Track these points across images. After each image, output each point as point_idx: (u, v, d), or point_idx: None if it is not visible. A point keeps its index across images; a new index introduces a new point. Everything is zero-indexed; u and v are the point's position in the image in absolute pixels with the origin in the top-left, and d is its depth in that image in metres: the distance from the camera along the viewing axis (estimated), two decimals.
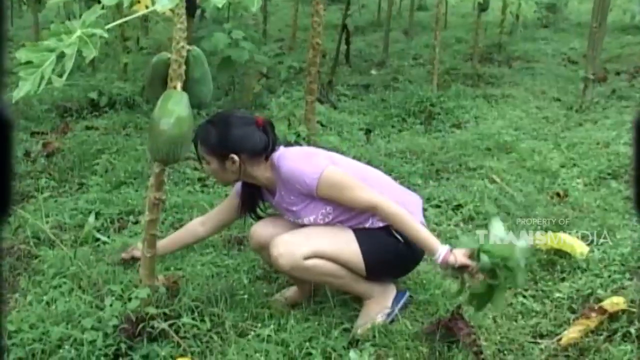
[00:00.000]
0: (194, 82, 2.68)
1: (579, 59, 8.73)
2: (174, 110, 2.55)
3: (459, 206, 4.19)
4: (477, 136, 5.46)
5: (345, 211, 2.94)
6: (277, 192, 3.02)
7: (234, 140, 2.90)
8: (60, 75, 2.34)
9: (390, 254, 2.98)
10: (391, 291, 3.11)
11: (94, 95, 6.26)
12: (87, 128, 5.73)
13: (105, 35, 2.33)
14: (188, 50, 2.63)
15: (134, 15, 3.14)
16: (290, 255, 2.83)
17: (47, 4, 7.02)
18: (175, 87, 2.61)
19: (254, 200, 3.21)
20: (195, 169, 4.77)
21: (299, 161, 2.93)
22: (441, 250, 2.71)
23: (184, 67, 2.61)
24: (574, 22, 11.58)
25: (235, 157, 2.90)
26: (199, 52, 2.71)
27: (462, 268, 2.67)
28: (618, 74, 8.20)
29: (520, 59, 8.93)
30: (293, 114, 4.74)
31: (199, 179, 4.63)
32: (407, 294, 3.16)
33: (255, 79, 6.04)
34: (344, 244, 2.91)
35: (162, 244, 3.21)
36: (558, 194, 4.46)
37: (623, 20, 10.70)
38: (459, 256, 2.67)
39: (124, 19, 3.09)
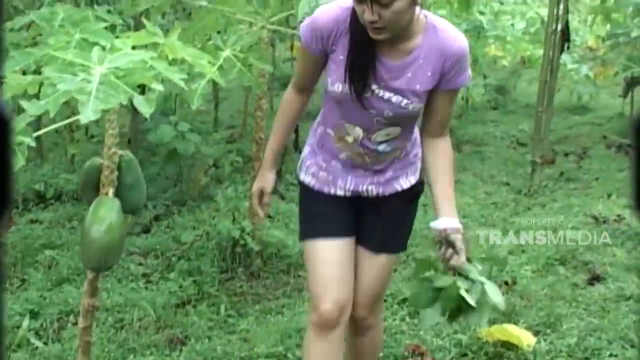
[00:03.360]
0: (126, 188, 2.65)
1: (527, 141, 8.82)
2: (106, 217, 2.51)
3: (405, 300, 4.14)
4: (425, 225, 5.44)
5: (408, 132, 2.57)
6: (408, 68, 2.39)
7: None
8: None
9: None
10: None
11: (40, 187, 6.18)
12: (32, 222, 5.64)
13: (33, 144, 2.30)
14: (120, 156, 2.61)
15: (73, 118, 3.11)
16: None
17: None
18: (107, 193, 2.58)
19: (367, 72, 2.40)
20: (140, 264, 4.70)
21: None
22: (457, 221, 2.47)
23: (116, 172, 2.59)
24: (522, 103, 11.74)
25: None
26: (132, 157, 2.69)
27: (451, 249, 2.40)
28: (567, 155, 8.30)
29: (470, 142, 9.00)
30: (237, 209, 4.71)
31: (144, 275, 4.55)
32: None
33: (202, 171, 6.02)
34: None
35: (275, 141, 2.71)
36: (506, 283, 4.44)
37: (570, 100, 10.90)
38: (463, 243, 2.42)
39: (69, 120, 3.05)
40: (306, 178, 2.65)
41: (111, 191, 2.58)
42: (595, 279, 4.53)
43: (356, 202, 2.62)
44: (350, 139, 2.50)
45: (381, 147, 2.50)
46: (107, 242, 2.51)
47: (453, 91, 2.47)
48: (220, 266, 4.52)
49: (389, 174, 2.59)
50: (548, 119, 6.77)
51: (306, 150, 2.71)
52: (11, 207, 0.60)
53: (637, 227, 5.41)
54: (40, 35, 3.14)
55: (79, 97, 2.05)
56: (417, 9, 2.30)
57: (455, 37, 2.38)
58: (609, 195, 6.27)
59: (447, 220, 2.44)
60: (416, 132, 2.62)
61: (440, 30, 2.37)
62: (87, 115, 2.00)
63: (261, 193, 2.70)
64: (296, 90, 2.66)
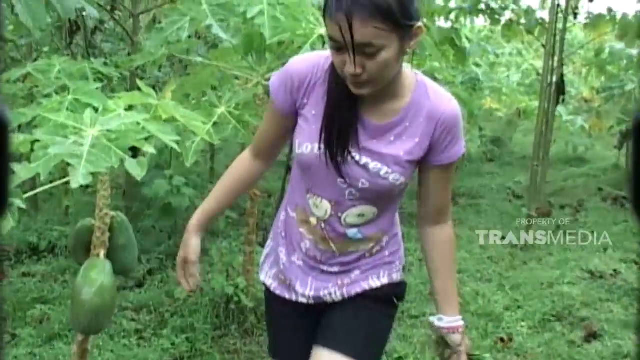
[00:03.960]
0: (118, 249, 2.62)
1: (523, 193, 8.83)
2: (97, 279, 2.48)
3: (399, 359, 4.09)
4: (420, 280, 5.42)
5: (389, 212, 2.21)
6: (391, 130, 2.04)
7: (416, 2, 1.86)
8: None
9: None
10: None
11: (33, 239, 6.14)
12: (24, 275, 5.58)
13: (23, 206, 2.27)
14: (112, 217, 2.59)
15: (66, 179, 3.09)
16: None
17: None
18: (98, 255, 2.55)
19: (347, 133, 2.02)
20: (133, 319, 4.64)
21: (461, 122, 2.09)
22: (459, 319, 2.20)
23: (107, 234, 2.56)
24: (519, 155, 11.78)
25: (422, 26, 1.87)
26: (123, 218, 2.66)
27: (450, 350, 2.21)
28: (562, 207, 8.29)
29: (466, 195, 8.99)
30: (231, 265, 4.67)
31: (136, 331, 4.49)
32: None
33: None
34: None
35: (208, 204, 2.40)
36: (502, 339, 4.40)
37: (566, 151, 10.92)
38: (464, 342, 2.19)
39: (65, 179, 3.04)
40: (267, 280, 2.34)
41: (102, 253, 2.56)
42: (592, 336, 4.50)
43: (320, 307, 2.25)
44: (314, 221, 2.14)
45: (351, 232, 2.14)
46: (97, 305, 2.47)
47: (447, 167, 2.11)
48: (214, 323, 4.47)
49: (356, 274, 2.22)
50: (544, 171, 6.77)
51: (268, 246, 2.40)
52: (6, 209, 0.59)
53: (633, 283, 5.39)
54: (37, 87, 3.14)
55: (70, 160, 2.04)
56: (405, 65, 2.02)
57: (449, 101, 2.04)
58: (605, 250, 6.25)
59: (445, 319, 2.18)
60: (397, 226, 2.30)
61: (432, 92, 2.04)
62: (77, 180, 1.98)
63: (185, 262, 2.29)
64: (251, 152, 2.31)
